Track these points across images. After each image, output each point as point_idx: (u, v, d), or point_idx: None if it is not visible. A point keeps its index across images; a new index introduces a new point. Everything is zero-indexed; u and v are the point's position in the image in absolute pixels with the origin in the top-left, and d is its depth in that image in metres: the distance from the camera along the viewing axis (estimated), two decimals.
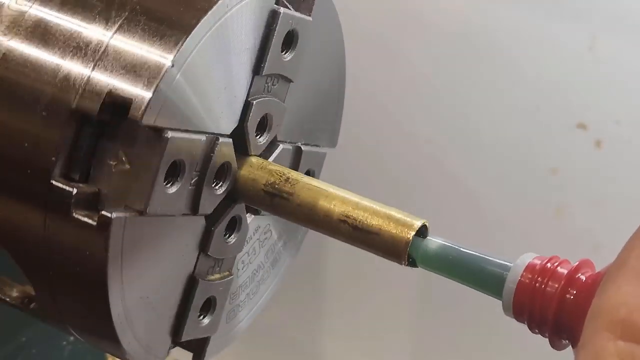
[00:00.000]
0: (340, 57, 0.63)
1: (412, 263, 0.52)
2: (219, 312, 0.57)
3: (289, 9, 0.56)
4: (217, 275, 0.57)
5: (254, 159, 0.56)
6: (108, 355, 0.80)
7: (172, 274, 0.54)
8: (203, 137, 0.52)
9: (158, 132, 0.49)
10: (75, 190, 0.48)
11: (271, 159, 0.59)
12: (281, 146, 0.60)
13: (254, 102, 0.55)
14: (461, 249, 0.51)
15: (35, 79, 0.50)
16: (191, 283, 0.55)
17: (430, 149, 1.19)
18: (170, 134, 0.49)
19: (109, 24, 0.50)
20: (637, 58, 1.06)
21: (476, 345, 1.23)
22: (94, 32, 0.50)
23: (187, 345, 0.58)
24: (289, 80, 0.58)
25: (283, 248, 0.63)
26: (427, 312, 1.26)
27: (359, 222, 0.52)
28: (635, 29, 1.06)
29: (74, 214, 0.48)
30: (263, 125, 0.57)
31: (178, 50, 0.49)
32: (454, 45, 1.14)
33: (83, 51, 0.50)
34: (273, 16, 0.55)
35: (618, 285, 0.42)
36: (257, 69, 0.55)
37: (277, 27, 0.55)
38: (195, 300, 0.55)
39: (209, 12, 0.50)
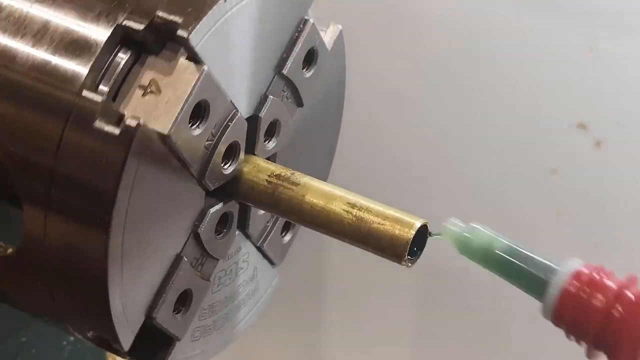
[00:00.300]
0: (336, 134, 0.65)
1: (413, 261, 0.52)
2: (190, 317, 0.57)
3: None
4: (197, 272, 0.56)
5: (259, 159, 0.56)
6: (108, 355, 0.80)
7: (165, 239, 0.54)
8: (228, 98, 0.53)
9: (196, 63, 0.50)
10: (103, 98, 0.49)
11: None
12: None
13: (271, 97, 0.56)
14: (509, 244, 0.50)
15: None
16: (176, 262, 0.54)
17: (430, 149, 1.19)
18: (207, 68, 0.50)
19: None
20: (637, 58, 1.07)
21: (476, 345, 1.23)
22: None
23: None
24: (300, 102, 0.59)
25: (248, 297, 0.63)
26: (427, 313, 1.26)
27: (360, 221, 0.53)
28: (635, 29, 1.06)
29: (97, 124, 0.48)
30: (271, 132, 0.58)
31: None
32: (454, 45, 1.14)
33: None
34: (304, 24, 0.57)
35: None
36: (279, 68, 0.57)
37: (306, 35, 0.57)
38: (176, 280, 0.54)
39: None
